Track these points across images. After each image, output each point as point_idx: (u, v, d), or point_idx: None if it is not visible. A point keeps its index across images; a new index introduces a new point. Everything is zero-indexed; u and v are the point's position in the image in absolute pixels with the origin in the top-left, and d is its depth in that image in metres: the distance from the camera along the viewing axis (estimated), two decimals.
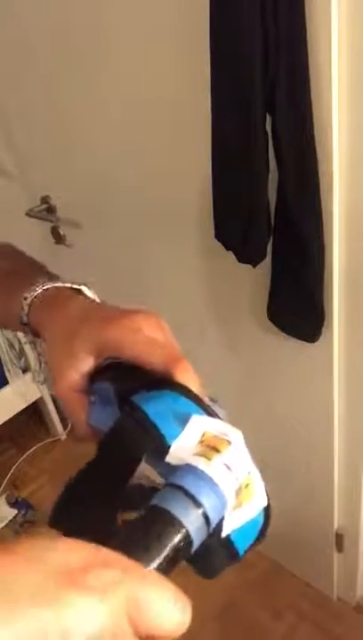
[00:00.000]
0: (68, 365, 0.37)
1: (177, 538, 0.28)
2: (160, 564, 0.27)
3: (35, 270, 0.47)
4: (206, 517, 0.29)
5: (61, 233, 1.43)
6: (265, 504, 0.32)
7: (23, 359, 1.94)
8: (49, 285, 0.43)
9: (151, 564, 0.27)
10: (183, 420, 0.32)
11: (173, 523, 0.28)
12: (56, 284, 0.43)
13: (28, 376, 1.96)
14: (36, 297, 0.42)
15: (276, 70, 0.77)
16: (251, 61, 0.76)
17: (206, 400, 0.36)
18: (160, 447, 0.31)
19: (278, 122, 0.81)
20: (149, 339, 0.36)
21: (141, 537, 0.28)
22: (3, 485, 1.97)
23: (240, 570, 1.57)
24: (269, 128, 0.83)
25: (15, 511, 1.84)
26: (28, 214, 1.41)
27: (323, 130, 0.81)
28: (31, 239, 1.53)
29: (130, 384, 0.35)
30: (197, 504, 0.29)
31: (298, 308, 0.99)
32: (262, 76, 0.77)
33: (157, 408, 0.32)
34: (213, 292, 1.20)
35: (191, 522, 0.29)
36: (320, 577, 1.49)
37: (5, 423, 1.92)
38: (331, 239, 0.91)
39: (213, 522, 0.30)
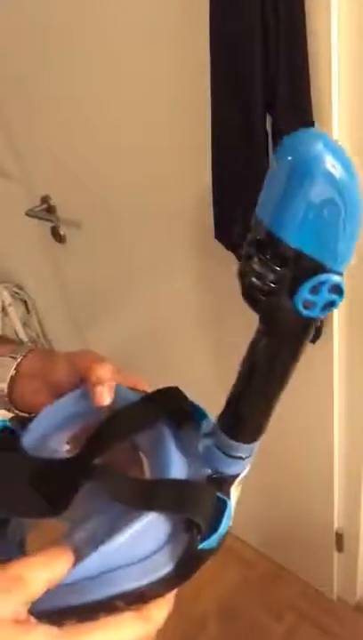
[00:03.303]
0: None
1: None
2: None
3: None
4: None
5: (61, 233, 1.44)
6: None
7: None
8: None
9: None
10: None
11: None
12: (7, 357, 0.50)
13: None
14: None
15: (276, 70, 0.76)
16: (251, 61, 0.76)
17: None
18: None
19: (278, 122, 0.81)
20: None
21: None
22: None
23: (240, 570, 1.57)
24: (269, 128, 0.83)
25: None
26: (28, 214, 1.41)
27: (323, 129, 0.81)
28: (31, 239, 1.53)
29: None
30: None
31: None
32: (263, 76, 0.77)
33: None
34: (213, 292, 1.20)
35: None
36: (320, 577, 1.49)
37: None
38: None
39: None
